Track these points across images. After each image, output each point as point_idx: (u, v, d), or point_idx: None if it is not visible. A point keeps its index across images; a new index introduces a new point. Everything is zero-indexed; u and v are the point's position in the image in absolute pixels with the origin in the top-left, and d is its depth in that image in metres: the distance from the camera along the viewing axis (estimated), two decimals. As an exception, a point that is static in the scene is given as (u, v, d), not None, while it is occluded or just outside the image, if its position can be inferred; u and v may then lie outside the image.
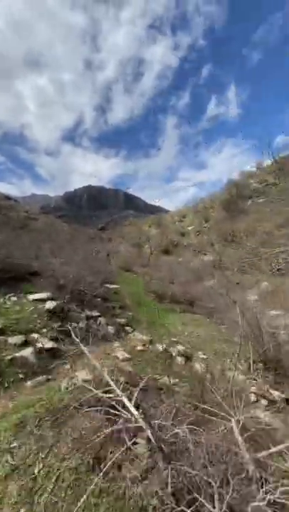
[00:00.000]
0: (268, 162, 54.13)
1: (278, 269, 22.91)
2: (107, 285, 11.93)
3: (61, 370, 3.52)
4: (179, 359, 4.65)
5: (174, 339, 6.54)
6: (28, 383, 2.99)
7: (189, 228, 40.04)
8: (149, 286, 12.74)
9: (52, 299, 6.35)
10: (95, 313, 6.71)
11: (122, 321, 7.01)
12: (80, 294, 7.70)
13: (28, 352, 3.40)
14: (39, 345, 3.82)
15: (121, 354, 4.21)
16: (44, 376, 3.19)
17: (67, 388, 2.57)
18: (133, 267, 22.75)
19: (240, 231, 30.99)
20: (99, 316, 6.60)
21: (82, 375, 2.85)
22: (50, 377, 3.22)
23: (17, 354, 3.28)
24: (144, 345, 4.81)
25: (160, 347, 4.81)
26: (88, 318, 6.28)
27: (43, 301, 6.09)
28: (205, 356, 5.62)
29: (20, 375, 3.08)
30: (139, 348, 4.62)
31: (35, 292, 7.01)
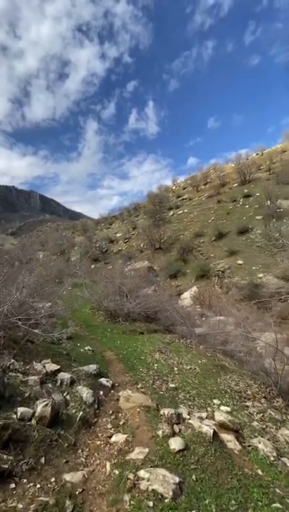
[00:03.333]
0: (181, 179, 59.50)
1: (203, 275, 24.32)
2: (41, 304, 8.75)
3: None
4: (231, 440, 2.75)
5: (172, 384, 4.56)
6: None
7: (117, 235, 38.48)
8: (96, 301, 10.15)
9: None
10: (50, 366, 3.92)
11: (91, 369, 4.44)
12: (10, 329, 4.64)
13: None
14: None
15: (161, 483, 1.94)
16: None
17: None
18: (62, 278, 19.16)
19: (165, 238, 31.84)
20: (58, 371, 3.87)
21: None
22: None
23: None
24: (173, 431, 2.64)
25: (196, 423, 2.76)
26: (43, 380, 3.49)
27: None
28: (228, 408, 3.92)
29: None
30: (173, 445, 2.42)
31: None
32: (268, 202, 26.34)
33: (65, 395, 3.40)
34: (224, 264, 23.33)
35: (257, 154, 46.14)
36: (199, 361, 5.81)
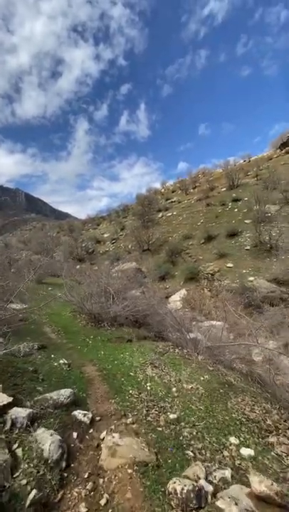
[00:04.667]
0: (170, 183, 59.19)
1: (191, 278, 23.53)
2: (12, 306, 7.42)
3: None
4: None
5: (173, 415, 3.40)
6: None
7: (105, 236, 36.98)
8: (78, 303, 8.83)
9: None
10: None
11: (63, 396, 3.20)
12: None
13: None
14: None
15: None
16: None
17: None
18: (44, 278, 17.65)
19: (154, 240, 30.88)
20: (11, 405, 2.60)
21: None
22: None
23: None
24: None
25: (228, 507, 1.65)
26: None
27: None
28: (251, 451, 2.84)
29: None
30: None
31: None
32: (257, 206, 26.11)
33: (15, 448, 2.15)
34: (213, 267, 22.63)
35: (244, 161, 46.63)
36: (201, 378, 4.70)
